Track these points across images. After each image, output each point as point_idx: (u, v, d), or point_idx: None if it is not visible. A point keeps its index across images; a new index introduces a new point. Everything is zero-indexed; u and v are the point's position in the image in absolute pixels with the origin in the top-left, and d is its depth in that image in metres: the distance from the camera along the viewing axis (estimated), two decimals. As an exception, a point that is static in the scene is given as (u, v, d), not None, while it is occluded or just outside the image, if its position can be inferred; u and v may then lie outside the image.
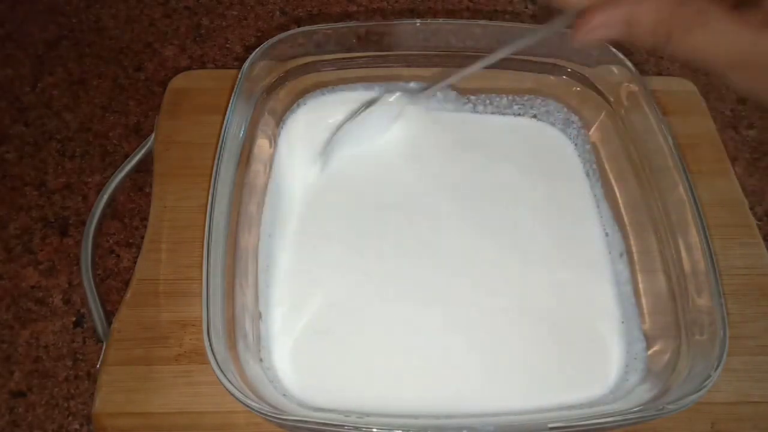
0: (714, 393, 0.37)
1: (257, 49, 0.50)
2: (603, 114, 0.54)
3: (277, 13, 0.74)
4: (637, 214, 0.49)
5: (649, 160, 0.48)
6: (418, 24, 0.52)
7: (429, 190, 0.53)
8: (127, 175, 0.58)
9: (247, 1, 0.75)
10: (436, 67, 0.55)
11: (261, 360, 0.44)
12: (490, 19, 0.71)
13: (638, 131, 0.49)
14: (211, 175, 0.44)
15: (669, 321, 0.44)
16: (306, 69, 0.54)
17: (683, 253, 0.44)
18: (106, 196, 0.56)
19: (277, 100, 0.54)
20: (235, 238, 0.45)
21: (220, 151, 0.45)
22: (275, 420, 0.36)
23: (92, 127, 0.64)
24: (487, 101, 0.57)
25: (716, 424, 0.45)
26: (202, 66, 0.69)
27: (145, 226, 0.53)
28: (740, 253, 0.52)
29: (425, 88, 0.52)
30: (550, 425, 0.36)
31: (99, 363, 0.47)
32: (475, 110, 0.58)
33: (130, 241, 0.57)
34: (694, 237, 0.43)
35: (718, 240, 0.44)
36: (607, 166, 0.53)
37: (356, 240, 0.50)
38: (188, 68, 0.68)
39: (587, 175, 0.55)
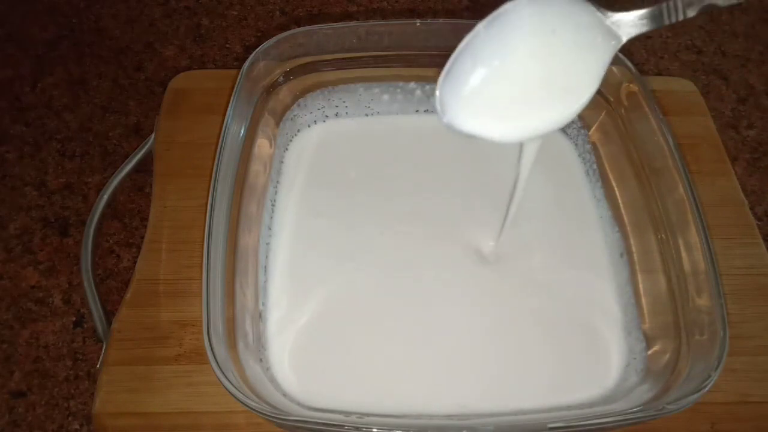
0: (714, 393, 0.37)
1: (257, 49, 0.50)
2: (603, 114, 0.54)
3: (277, 13, 0.74)
4: (637, 214, 0.49)
5: (649, 160, 0.48)
6: (418, 24, 0.52)
7: (428, 190, 0.53)
8: (127, 175, 0.58)
9: (247, 1, 0.75)
10: (436, 67, 0.55)
11: (261, 360, 0.44)
12: (490, 19, 0.71)
13: (638, 131, 0.49)
14: (211, 175, 0.44)
15: (669, 321, 0.44)
16: (306, 69, 0.54)
17: (683, 253, 0.44)
18: (106, 196, 0.56)
19: (277, 100, 0.54)
20: (235, 238, 0.45)
21: (220, 151, 0.45)
22: (275, 420, 0.36)
23: (92, 127, 0.64)
24: (487, 101, 0.57)
25: (716, 424, 0.45)
26: (202, 66, 0.69)
27: (145, 226, 0.53)
28: (740, 253, 0.52)
29: None
30: (550, 425, 0.36)
31: (99, 363, 0.47)
32: (475, 110, 0.58)
33: (130, 241, 0.57)
34: (694, 237, 0.43)
35: (718, 240, 0.44)
36: (607, 166, 0.53)
37: (355, 240, 0.50)
38: (188, 68, 0.68)
39: (587, 175, 0.55)
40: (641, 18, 0.35)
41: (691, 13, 0.34)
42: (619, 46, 0.36)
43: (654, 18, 0.35)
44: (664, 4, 0.35)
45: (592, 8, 0.36)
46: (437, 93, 0.37)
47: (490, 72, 0.36)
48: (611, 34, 0.36)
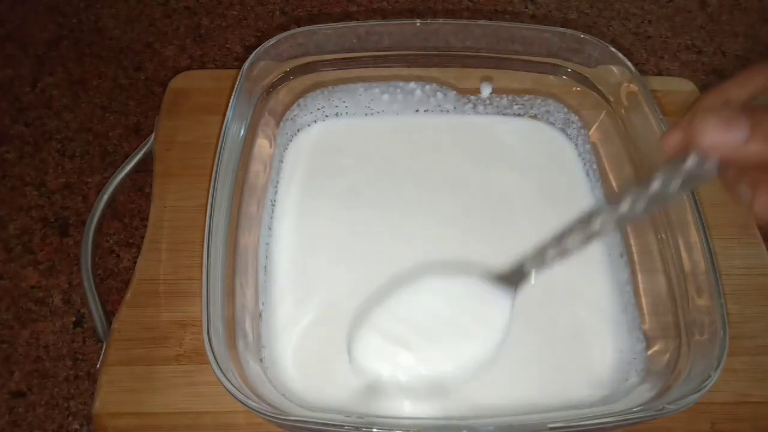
0: (714, 393, 0.37)
1: (257, 49, 0.50)
2: (603, 114, 0.54)
3: (277, 13, 0.75)
4: (637, 214, 0.49)
5: (649, 160, 0.48)
6: (418, 24, 0.52)
7: (428, 190, 0.53)
8: (127, 175, 0.58)
9: (247, 1, 0.75)
10: (435, 67, 0.55)
11: (261, 360, 0.44)
12: (490, 19, 0.71)
13: (638, 131, 0.49)
14: (211, 175, 0.44)
15: (669, 321, 0.44)
16: (306, 69, 0.54)
17: (683, 253, 0.44)
18: (106, 196, 0.56)
19: (277, 100, 0.54)
20: (235, 238, 0.45)
21: (220, 151, 0.45)
22: (275, 420, 0.36)
23: (92, 127, 0.64)
24: (487, 101, 0.57)
25: (716, 424, 0.45)
26: (202, 66, 0.69)
27: (145, 226, 0.53)
28: (740, 253, 0.52)
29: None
30: (550, 425, 0.36)
31: (99, 363, 0.47)
32: (475, 110, 0.58)
33: (130, 241, 0.57)
34: (694, 237, 0.43)
35: (718, 240, 0.43)
36: (607, 166, 0.53)
37: (356, 238, 0.50)
38: (188, 68, 0.68)
39: (587, 175, 0.55)
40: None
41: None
42: (515, 296, 0.43)
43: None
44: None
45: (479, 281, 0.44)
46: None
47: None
48: (504, 290, 0.43)
